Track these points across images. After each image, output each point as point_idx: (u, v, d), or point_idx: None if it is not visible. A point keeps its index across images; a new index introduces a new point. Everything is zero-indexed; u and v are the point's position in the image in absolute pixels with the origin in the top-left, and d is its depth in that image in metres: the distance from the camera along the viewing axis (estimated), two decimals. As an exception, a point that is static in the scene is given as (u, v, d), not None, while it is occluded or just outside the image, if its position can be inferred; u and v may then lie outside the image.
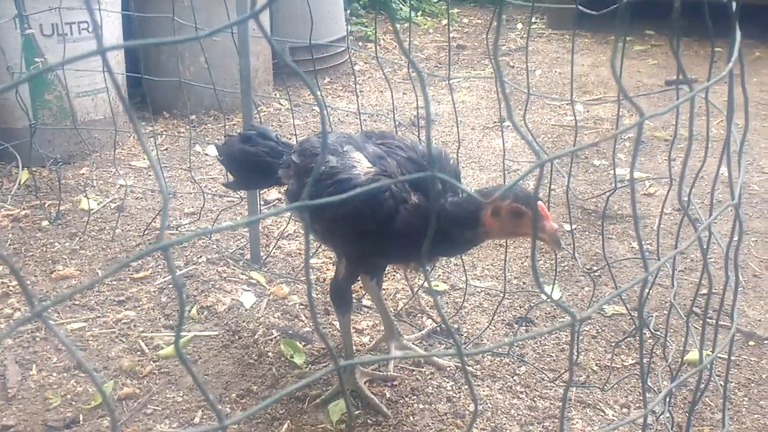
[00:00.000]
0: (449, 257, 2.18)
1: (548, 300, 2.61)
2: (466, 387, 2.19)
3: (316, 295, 2.69)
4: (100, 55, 0.72)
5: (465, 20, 7.33)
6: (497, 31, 0.90)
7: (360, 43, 6.38)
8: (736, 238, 1.23)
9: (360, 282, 2.44)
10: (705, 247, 1.37)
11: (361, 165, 1.87)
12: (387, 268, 2.47)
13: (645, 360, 2.16)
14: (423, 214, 1.81)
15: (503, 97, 0.77)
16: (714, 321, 2.28)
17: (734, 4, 1.26)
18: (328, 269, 2.85)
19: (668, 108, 0.96)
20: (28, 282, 2.71)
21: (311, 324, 2.52)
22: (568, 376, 0.96)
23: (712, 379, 2.10)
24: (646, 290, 2.39)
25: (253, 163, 2.25)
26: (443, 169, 1.90)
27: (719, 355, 2.27)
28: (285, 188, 2.25)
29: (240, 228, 3.17)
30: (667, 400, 1.99)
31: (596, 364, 2.30)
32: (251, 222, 2.78)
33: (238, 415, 2.03)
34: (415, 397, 2.16)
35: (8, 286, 2.66)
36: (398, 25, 6.92)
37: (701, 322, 2.19)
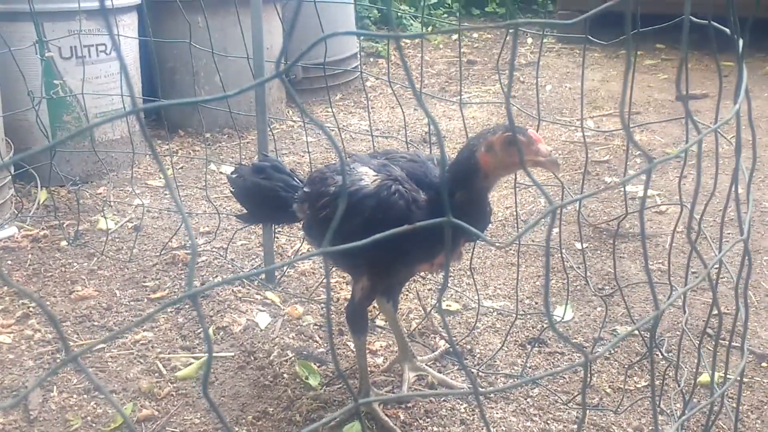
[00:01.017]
0: (471, 240, 2.23)
1: (561, 322, 2.63)
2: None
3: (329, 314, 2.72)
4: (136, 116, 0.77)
5: (475, 35, 7.37)
6: (510, 66, 0.93)
7: (371, 59, 6.44)
8: (745, 272, 1.25)
9: (375, 303, 2.46)
10: (715, 271, 1.40)
11: (368, 176, 1.94)
12: (402, 290, 2.50)
13: (658, 382, 2.18)
14: (434, 208, 1.88)
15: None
16: (726, 342, 2.29)
17: (741, 42, 1.29)
18: (341, 289, 2.89)
19: (677, 152, 0.98)
20: (48, 303, 2.77)
21: (326, 345, 2.55)
22: (582, 410, 0.98)
23: (725, 402, 2.11)
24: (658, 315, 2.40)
25: (266, 197, 2.25)
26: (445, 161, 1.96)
27: (731, 377, 2.28)
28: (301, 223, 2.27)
29: (252, 246, 3.22)
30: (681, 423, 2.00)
31: (609, 386, 2.31)
32: (269, 269, 2.82)
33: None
34: (428, 419, 2.18)
35: (29, 308, 2.71)
36: (409, 41, 6.98)
37: (713, 344, 2.19)
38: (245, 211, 2.45)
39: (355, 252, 2.00)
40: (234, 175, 2.42)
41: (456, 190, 1.85)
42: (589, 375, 2.32)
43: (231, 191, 2.49)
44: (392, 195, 1.87)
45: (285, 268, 3.01)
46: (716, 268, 2.16)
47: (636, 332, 2.53)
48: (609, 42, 1.93)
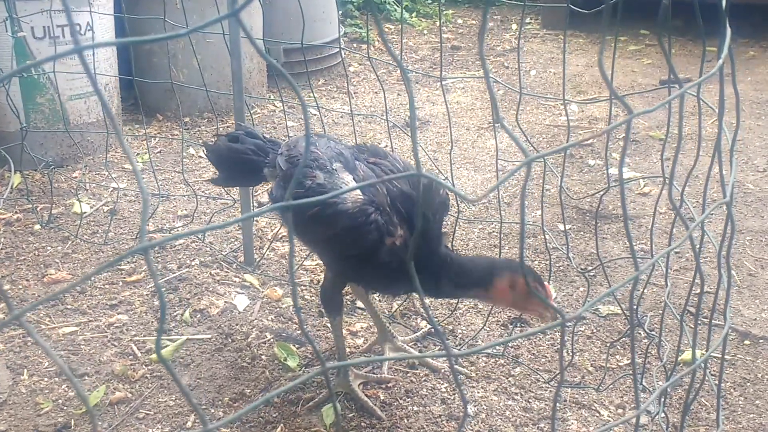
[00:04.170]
0: (436, 298, 2.23)
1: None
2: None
3: (310, 297, 2.67)
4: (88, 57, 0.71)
5: (459, 21, 7.33)
6: (482, 31, 0.89)
7: (354, 45, 6.37)
8: (728, 236, 1.22)
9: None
10: (697, 246, 1.37)
11: (350, 195, 1.80)
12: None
13: (640, 360, 2.15)
14: (408, 248, 1.78)
15: (491, 98, 0.76)
16: (708, 320, 2.28)
17: (724, 2, 1.25)
18: (322, 271, 2.84)
19: (658, 105, 0.95)
20: (20, 286, 2.70)
21: (305, 326, 2.50)
22: (560, 376, 0.95)
23: (707, 378, 2.09)
24: (639, 290, 2.38)
25: (238, 161, 2.23)
26: (431, 202, 1.82)
27: (714, 354, 2.26)
28: (269, 187, 2.21)
29: (231, 229, 3.16)
30: (662, 400, 1.98)
31: (591, 365, 2.29)
32: (236, 221, 2.76)
33: (225, 417, 2.02)
34: (409, 399, 2.14)
35: (-1, 291, 2.64)
36: (392, 26, 6.92)
37: (695, 320, 2.16)
38: (218, 174, 2.41)
39: (321, 258, 1.97)
40: (212, 144, 2.40)
41: (445, 278, 1.79)
42: (563, 341, 2.28)
43: (206, 155, 2.43)
44: (368, 224, 1.76)
45: (264, 251, 2.96)
46: (698, 236, 2.14)
47: (619, 311, 2.51)
48: (591, 10, 1.89)
